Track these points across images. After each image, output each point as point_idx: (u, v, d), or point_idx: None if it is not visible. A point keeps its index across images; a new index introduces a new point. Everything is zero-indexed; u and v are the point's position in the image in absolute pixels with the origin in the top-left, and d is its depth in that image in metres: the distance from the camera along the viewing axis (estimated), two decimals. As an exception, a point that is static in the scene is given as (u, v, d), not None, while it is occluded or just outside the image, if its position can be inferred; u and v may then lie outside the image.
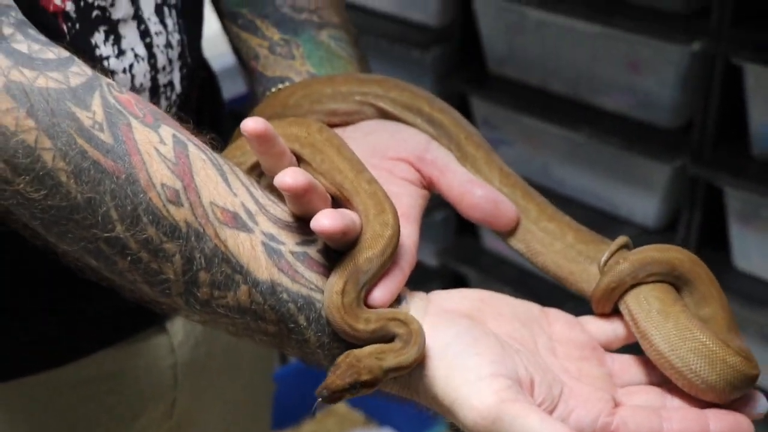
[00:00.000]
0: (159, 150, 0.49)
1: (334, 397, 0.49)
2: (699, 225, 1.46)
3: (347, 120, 0.65)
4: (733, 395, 0.53)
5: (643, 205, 1.57)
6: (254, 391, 0.91)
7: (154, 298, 0.51)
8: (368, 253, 0.52)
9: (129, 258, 0.49)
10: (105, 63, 0.62)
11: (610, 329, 0.59)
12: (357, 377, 0.50)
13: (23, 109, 0.46)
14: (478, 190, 0.59)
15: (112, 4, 0.62)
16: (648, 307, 0.55)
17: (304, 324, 0.51)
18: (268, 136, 0.51)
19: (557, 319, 0.58)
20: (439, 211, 1.83)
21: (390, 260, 0.53)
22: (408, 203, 0.59)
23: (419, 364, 0.52)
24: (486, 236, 1.78)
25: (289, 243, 0.52)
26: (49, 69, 0.48)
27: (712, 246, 1.50)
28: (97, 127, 0.48)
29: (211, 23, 0.79)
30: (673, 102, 1.48)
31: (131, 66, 0.64)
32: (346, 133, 0.63)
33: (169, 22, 0.68)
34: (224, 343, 0.82)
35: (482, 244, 1.80)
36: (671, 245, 0.58)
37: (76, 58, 0.51)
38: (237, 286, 0.50)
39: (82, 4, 0.60)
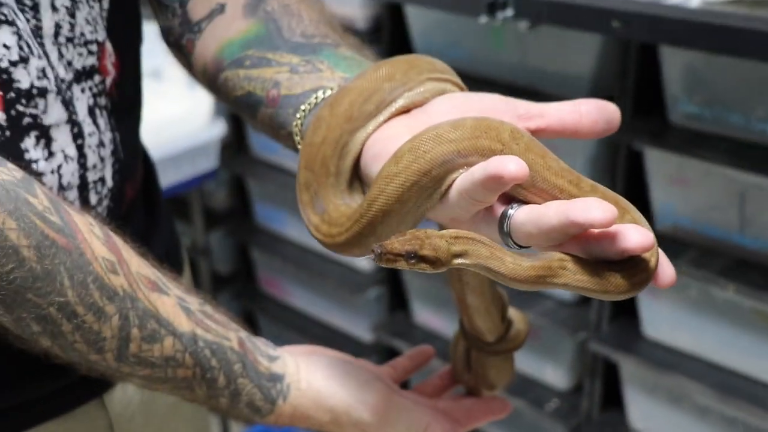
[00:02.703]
0: (93, 230, 0.57)
1: (387, 257, 0.49)
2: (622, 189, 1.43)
3: (412, 107, 0.59)
4: None
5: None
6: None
7: (86, 355, 0.58)
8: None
9: (75, 320, 0.56)
10: (33, 166, 0.62)
11: None
12: (417, 248, 0.49)
13: None
14: (583, 107, 0.54)
15: (45, 111, 0.62)
16: None
17: (216, 366, 0.62)
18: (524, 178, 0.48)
19: None
20: (372, 288, 1.92)
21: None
22: None
23: None
24: (417, 312, 1.87)
25: (193, 303, 0.63)
26: None
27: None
28: (47, 210, 0.54)
29: (146, 114, 0.79)
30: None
31: (59, 167, 0.64)
32: (430, 118, 0.56)
33: (101, 122, 0.67)
34: (160, 417, 0.81)
35: (413, 320, 1.89)
36: None
37: (1, 158, 0.55)
38: (163, 339, 0.59)
39: (13, 112, 0.60)
